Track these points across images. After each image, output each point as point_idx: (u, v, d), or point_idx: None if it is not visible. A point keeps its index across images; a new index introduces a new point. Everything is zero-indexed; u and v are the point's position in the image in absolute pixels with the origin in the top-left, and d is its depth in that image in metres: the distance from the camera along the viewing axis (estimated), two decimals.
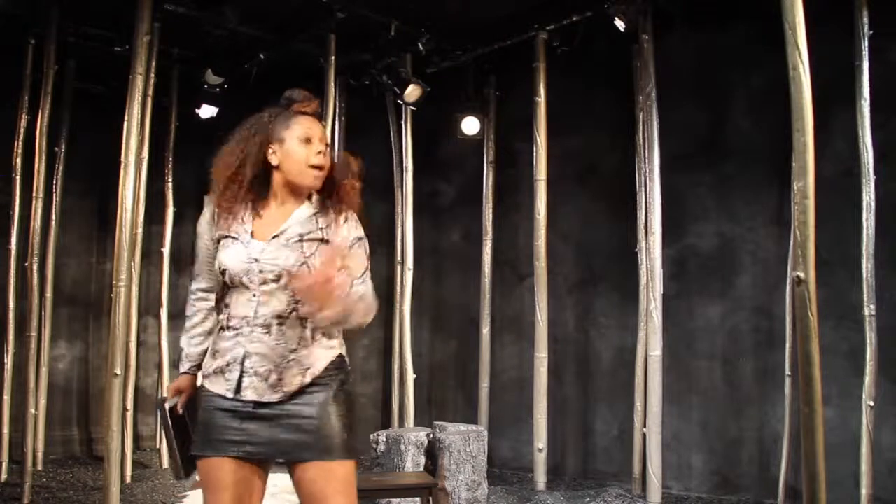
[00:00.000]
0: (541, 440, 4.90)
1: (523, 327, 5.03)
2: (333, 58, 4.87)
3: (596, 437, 5.33)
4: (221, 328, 2.10)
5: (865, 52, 3.95)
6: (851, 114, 3.99)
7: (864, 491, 3.86)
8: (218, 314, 2.15)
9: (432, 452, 4.48)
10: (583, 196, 5.39)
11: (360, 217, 2.28)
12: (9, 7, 4.65)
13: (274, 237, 2.07)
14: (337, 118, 5.38)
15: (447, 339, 6.13)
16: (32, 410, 4.82)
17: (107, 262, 5.99)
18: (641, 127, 4.80)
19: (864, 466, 3.86)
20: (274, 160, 2.12)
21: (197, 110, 5.51)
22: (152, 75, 4.71)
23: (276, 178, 2.13)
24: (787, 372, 4.33)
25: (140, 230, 4.86)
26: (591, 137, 5.37)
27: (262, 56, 5.30)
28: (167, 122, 5.67)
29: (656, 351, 4.57)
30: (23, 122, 4.83)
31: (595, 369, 5.37)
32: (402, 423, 5.49)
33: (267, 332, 2.03)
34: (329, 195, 2.20)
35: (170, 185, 5.68)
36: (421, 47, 5.04)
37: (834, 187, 4.02)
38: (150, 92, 4.70)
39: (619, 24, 4.57)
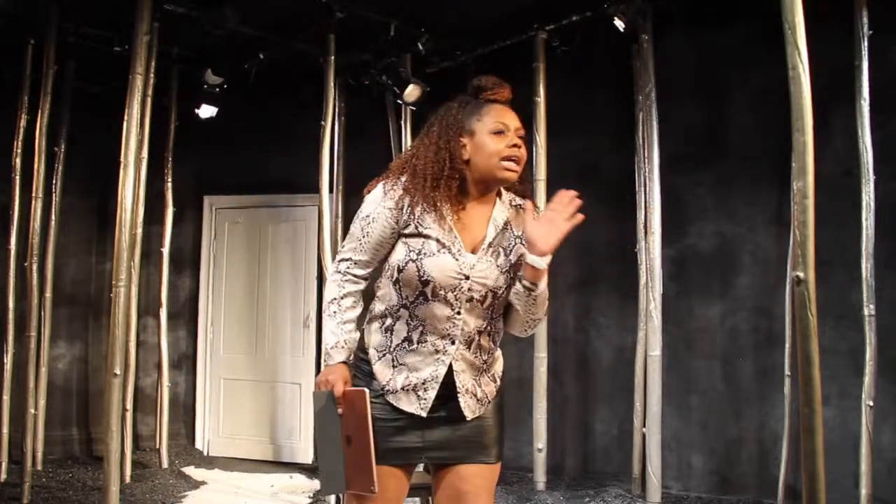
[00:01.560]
0: (540, 440, 4.90)
1: None
2: (333, 58, 4.87)
3: (595, 437, 5.33)
4: (407, 340, 1.97)
5: (865, 52, 3.95)
6: (851, 114, 3.99)
7: (864, 491, 3.85)
8: (394, 320, 1.99)
9: None
10: (582, 196, 5.37)
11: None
12: (8, 7, 4.65)
13: (481, 250, 1.97)
14: (336, 118, 5.37)
15: None
16: (32, 410, 4.82)
17: (106, 262, 5.99)
18: (641, 127, 4.80)
19: (864, 466, 3.86)
20: (465, 154, 1.98)
21: (196, 110, 5.50)
22: (152, 75, 4.72)
23: (469, 175, 1.99)
24: (787, 372, 4.33)
25: (140, 230, 4.86)
26: (590, 137, 5.37)
27: (261, 56, 5.30)
28: (167, 122, 5.66)
29: (656, 351, 4.58)
30: (22, 122, 4.83)
31: (595, 369, 5.37)
32: None
33: (468, 348, 1.98)
34: (517, 192, 2.11)
35: (169, 185, 5.67)
36: (421, 47, 5.03)
37: (833, 187, 4.02)
38: (150, 92, 4.70)
39: (619, 24, 4.57)
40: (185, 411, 6.33)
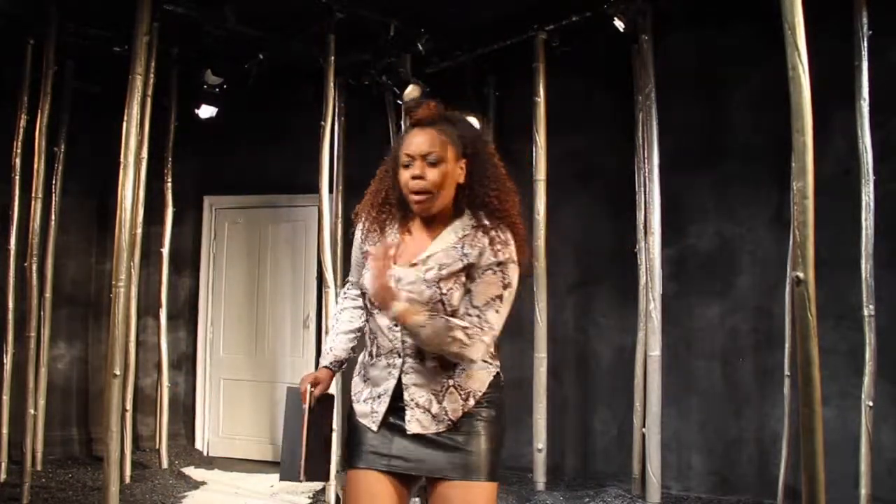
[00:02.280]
0: (540, 440, 4.90)
1: (523, 327, 5.02)
2: (333, 58, 4.87)
3: (595, 437, 5.33)
4: (370, 354, 2.06)
5: (865, 52, 3.95)
6: (851, 114, 3.99)
7: (864, 491, 3.86)
8: (366, 337, 2.13)
9: None
10: (582, 196, 5.38)
11: (518, 228, 2.05)
12: (8, 7, 4.65)
13: (413, 265, 1.97)
14: (336, 118, 5.37)
15: None
16: (31, 411, 4.82)
17: (106, 263, 5.99)
18: (641, 127, 4.80)
19: (864, 466, 3.86)
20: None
21: (196, 110, 5.51)
22: (151, 75, 4.71)
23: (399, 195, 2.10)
24: (787, 372, 4.33)
25: (139, 230, 4.86)
26: (590, 137, 5.37)
27: (261, 56, 5.30)
28: (166, 123, 5.66)
29: (656, 351, 4.57)
30: (22, 123, 4.83)
31: (594, 369, 5.37)
32: None
33: (420, 361, 1.97)
34: (480, 206, 2.02)
35: (169, 185, 5.67)
36: (420, 47, 5.03)
37: (833, 187, 4.02)
38: (150, 92, 4.70)
39: (619, 24, 4.58)
40: (184, 412, 6.33)
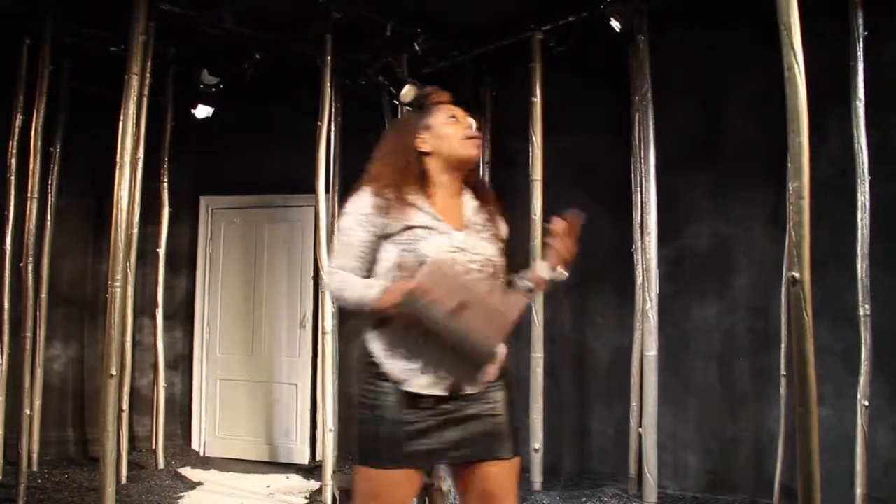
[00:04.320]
0: (537, 440, 4.90)
1: (519, 327, 5.00)
2: (329, 58, 4.87)
3: (592, 437, 5.34)
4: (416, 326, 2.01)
5: (860, 53, 3.96)
6: (846, 114, 4.00)
7: (859, 490, 3.86)
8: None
9: None
10: (579, 196, 5.35)
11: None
12: (3, 6, 4.64)
13: (466, 228, 2.09)
14: (333, 118, 5.36)
15: None
16: (27, 411, 4.81)
17: (102, 263, 5.98)
18: (637, 127, 4.80)
19: (859, 466, 3.87)
20: (426, 147, 2.15)
21: (193, 110, 5.50)
22: (148, 75, 4.69)
23: (433, 165, 2.16)
24: (783, 372, 4.34)
25: (136, 230, 4.85)
26: (587, 137, 5.37)
27: (258, 56, 5.30)
28: (163, 123, 5.65)
29: (652, 351, 4.58)
30: (18, 122, 4.81)
31: (591, 369, 5.37)
32: None
33: None
34: (476, 188, 2.25)
35: (165, 185, 5.66)
36: (417, 47, 5.04)
37: (829, 188, 4.03)
38: (146, 92, 4.69)
39: (616, 24, 4.58)
40: (181, 412, 6.32)
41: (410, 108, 2.29)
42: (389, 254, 2.05)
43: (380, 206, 2.06)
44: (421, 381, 2.01)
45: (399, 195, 2.07)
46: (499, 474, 2.04)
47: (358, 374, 2.13)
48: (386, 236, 2.05)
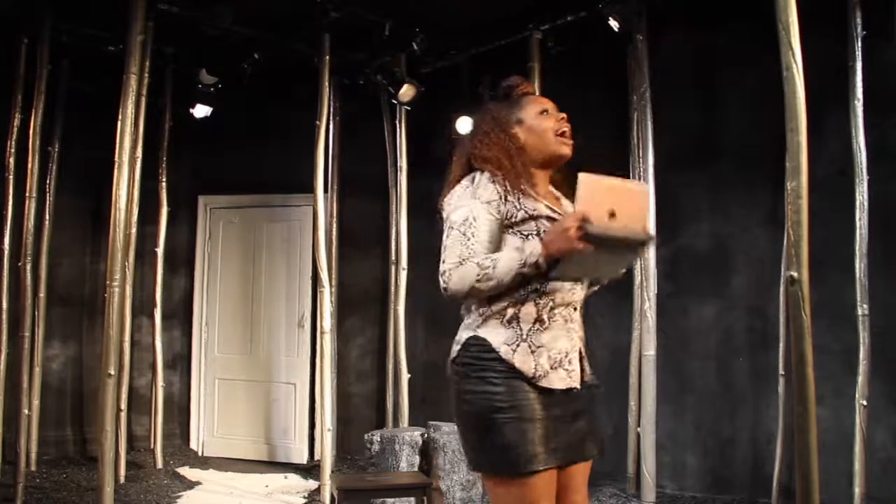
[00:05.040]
0: None
1: None
2: (328, 57, 4.87)
3: None
4: (538, 321, 1.96)
5: (858, 53, 3.96)
6: (845, 114, 4.00)
7: (858, 490, 3.87)
8: (518, 308, 1.96)
9: (427, 452, 4.48)
10: None
11: None
12: (2, 6, 4.63)
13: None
14: (331, 118, 5.37)
15: (442, 339, 6.08)
16: (26, 411, 4.81)
17: (100, 262, 5.98)
18: (636, 127, 4.80)
19: (858, 465, 3.87)
20: (520, 141, 2.09)
21: (191, 110, 5.50)
22: (146, 75, 4.71)
23: (528, 159, 2.10)
24: (781, 371, 4.34)
25: (134, 230, 4.87)
26: (585, 137, 5.31)
27: (256, 56, 5.29)
28: (161, 122, 5.65)
29: (650, 351, 4.58)
30: (16, 122, 4.80)
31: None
32: (396, 423, 5.49)
33: (582, 316, 2.07)
34: (559, 180, 2.19)
35: (164, 184, 5.66)
36: (416, 47, 5.03)
37: (827, 187, 4.03)
38: (144, 91, 4.69)
39: (614, 24, 4.58)
40: (179, 411, 6.32)
41: (494, 98, 2.18)
42: (514, 243, 1.96)
43: (502, 194, 1.98)
44: (553, 377, 1.95)
45: (516, 183, 2.00)
46: (582, 472, 2.05)
47: (466, 376, 1.96)
48: (509, 226, 1.97)
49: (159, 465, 5.52)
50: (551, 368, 1.95)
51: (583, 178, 1.81)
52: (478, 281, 1.90)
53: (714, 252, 4.92)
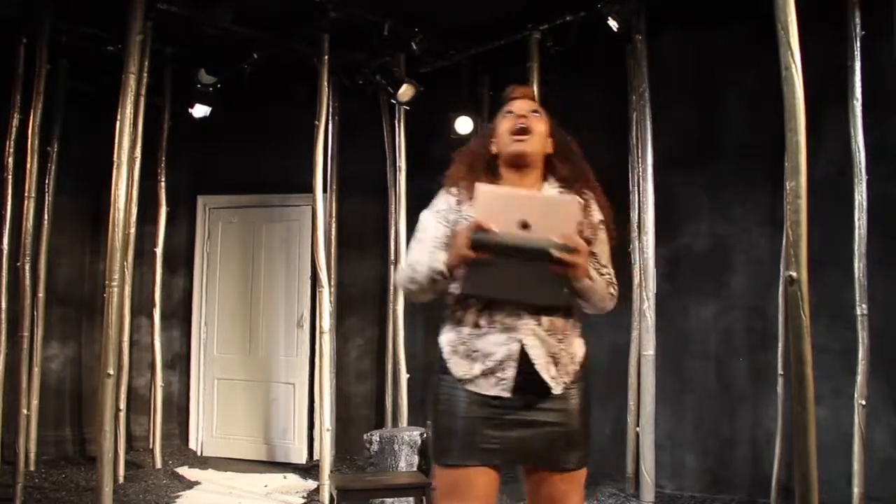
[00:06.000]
0: None
1: None
2: (327, 57, 4.87)
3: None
4: (475, 325, 2.00)
5: (857, 53, 3.96)
6: (844, 114, 4.01)
7: (857, 489, 3.87)
8: (462, 310, 2.03)
9: (426, 452, 4.48)
10: None
11: (602, 199, 2.24)
12: (1, 6, 4.63)
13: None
14: (330, 118, 5.36)
15: None
16: (25, 411, 4.80)
17: (99, 262, 5.97)
18: (635, 126, 4.80)
19: (857, 465, 3.87)
20: (494, 148, 2.15)
21: (190, 110, 5.49)
22: (145, 75, 4.71)
23: (501, 164, 2.14)
24: (780, 371, 4.35)
25: (133, 230, 4.86)
26: (584, 137, 5.33)
27: (255, 55, 5.29)
28: (160, 122, 5.65)
29: (649, 350, 4.58)
30: (15, 122, 4.80)
31: (588, 368, 5.36)
32: (395, 423, 5.49)
33: (538, 324, 1.98)
34: (566, 174, 2.17)
35: (163, 184, 5.66)
36: (415, 47, 5.03)
37: (826, 187, 4.03)
38: (143, 91, 4.70)
39: (613, 23, 4.58)
40: (178, 411, 6.32)
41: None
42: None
43: (452, 203, 2.10)
44: (482, 383, 1.99)
45: (464, 190, 2.08)
46: (563, 481, 2.02)
47: (435, 372, 2.11)
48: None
49: (158, 465, 5.51)
50: (482, 375, 1.98)
51: (479, 187, 1.86)
52: (409, 282, 2.08)
53: (713, 252, 4.92)
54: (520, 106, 2.14)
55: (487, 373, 1.98)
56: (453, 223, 2.06)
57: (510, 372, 1.96)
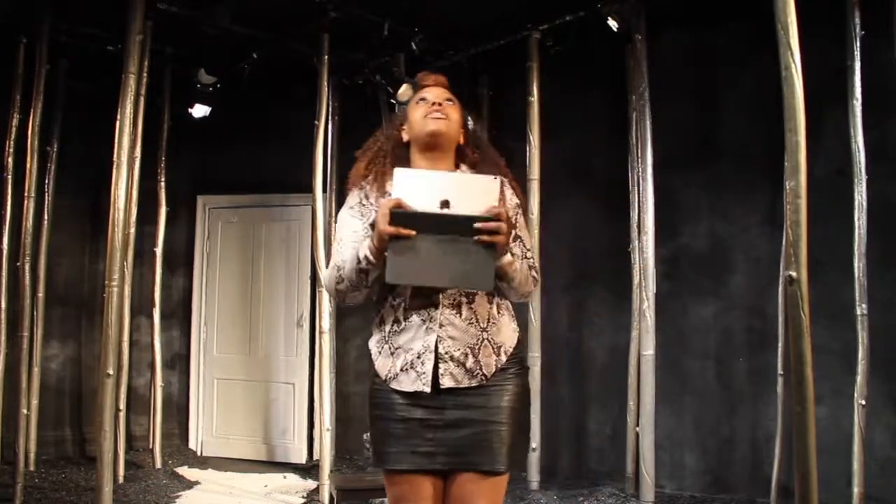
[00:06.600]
0: (534, 440, 4.90)
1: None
2: (327, 57, 4.87)
3: (589, 436, 5.34)
4: (395, 321, 1.97)
5: (857, 53, 3.96)
6: (843, 114, 4.01)
7: (856, 489, 3.87)
8: (383, 308, 2.02)
9: None
10: (576, 196, 5.39)
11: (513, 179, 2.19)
12: (0, 6, 4.63)
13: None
14: (330, 118, 5.36)
15: None
16: (24, 411, 4.80)
17: (99, 262, 5.98)
18: (634, 126, 4.80)
19: (856, 465, 3.87)
20: (404, 137, 2.14)
21: (190, 109, 5.49)
22: (145, 74, 4.71)
23: (413, 151, 2.12)
24: (780, 371, 4.34)
25: (132, 230, 4.86)
26: (584, 137, 5.38)
27: (255, 55, 5.29)
28: (160, 122, 5.64)
29: (649, 350, 4.58)
30: (14, 122, 4.80)
31: (588, 369, 5.37)
32: None
33: (457, 313, 1.94)
34: (477, 161, 2.16)
35: (163, 184, 5.66)
36: (414, 47, 5.04)
37: (826, 187, 4.03)
38: (143, 91, 4.70)
39: (613, 23, 4.58)
40: (178, 411, 6.32)
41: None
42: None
43: (362, 198, 2.09)
44: (403, 379, 1.95)
45: (375, 181, 2.09)
46: (473, 483, 1.91)
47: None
48: (372, 226, 1.95)
49: (158, 464, 5.51)
50: (401, 370, 1.95)
51: (397, 171, 1.87)
52: (337, 282, 2.01)
53: (713, 252, 4.92)
54: (435, 93, 2.12)
55: (407, 367, 1.94)
56: (368, 217, 2.03)
57: (428, 365, 1.92)
